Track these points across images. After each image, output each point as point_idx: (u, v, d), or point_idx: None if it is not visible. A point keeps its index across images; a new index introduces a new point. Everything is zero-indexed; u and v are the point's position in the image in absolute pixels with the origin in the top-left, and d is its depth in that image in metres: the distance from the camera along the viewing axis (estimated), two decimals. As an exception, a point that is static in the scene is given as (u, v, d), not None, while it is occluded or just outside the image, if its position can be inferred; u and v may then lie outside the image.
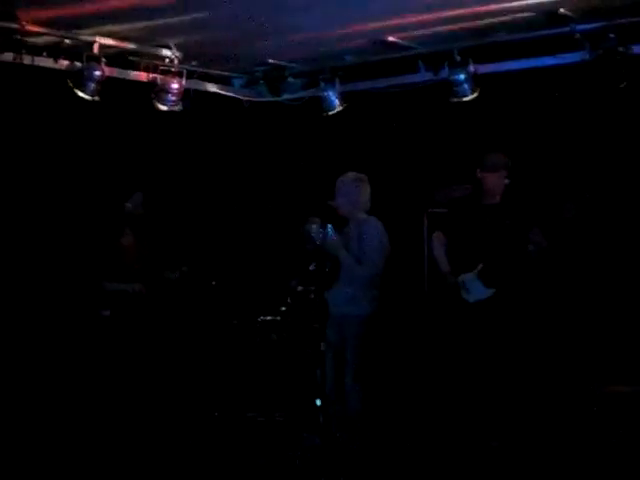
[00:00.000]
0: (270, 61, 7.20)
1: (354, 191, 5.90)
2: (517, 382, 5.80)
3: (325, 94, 7.31)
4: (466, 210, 5.90)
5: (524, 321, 5.88)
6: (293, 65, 7.38)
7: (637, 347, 5.91)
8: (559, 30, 5.85)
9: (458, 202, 6.04)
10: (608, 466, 5.12)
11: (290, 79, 7.64)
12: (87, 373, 6.17)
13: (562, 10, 5.57)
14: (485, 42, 6.34)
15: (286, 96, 7.85)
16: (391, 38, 6.44)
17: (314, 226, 5.78)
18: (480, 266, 5.69)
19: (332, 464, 5.47)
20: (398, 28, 6.18)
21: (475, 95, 6.56)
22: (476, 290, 5.73)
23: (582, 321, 6.19)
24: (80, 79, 6.18)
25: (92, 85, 6.20)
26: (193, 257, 7.26)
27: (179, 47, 6.60)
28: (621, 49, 5.63)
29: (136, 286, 6.41)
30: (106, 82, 6.31)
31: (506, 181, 5.75)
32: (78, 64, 6.18)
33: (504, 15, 5.72)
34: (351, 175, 5.96)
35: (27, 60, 5.97)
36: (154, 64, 6.76)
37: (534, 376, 6.08)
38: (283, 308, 6.88)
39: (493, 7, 5.54)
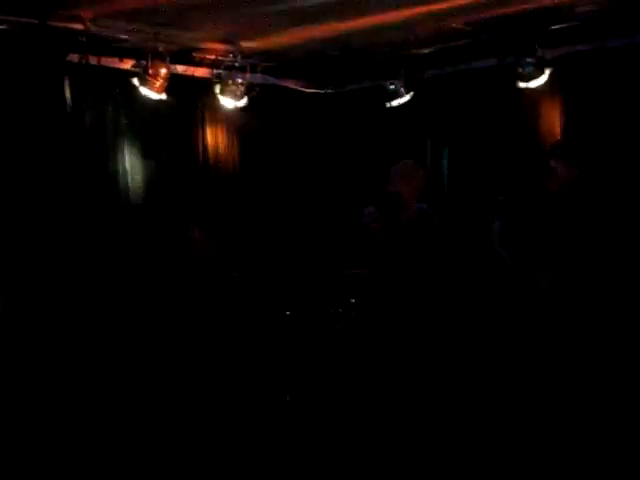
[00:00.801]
0: (332, 52, 7.18)
1: (417, 178, 5.85)
2: (593, 370, 5.73)
3: (389, 83, 7.24)
4: (532, 198, 5.81)
5: (601, 309, 5.81)
6: (356, 55, 7.35)
7: None
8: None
9: (522, 190, 5.94)
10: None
11: (354, 69, 7.59)
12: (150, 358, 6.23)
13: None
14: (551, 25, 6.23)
15: (350, 86, 7.79)
16: (455, 24, 6.36)
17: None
18: (550, 254, 5.63)
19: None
20: (463, 13, 6.12)
21: (542, 79, 6.43)
22: (546, 278, 5.67)
23: None
24: (145, 77, 6.22)
25: (157, 83, 6.26)
26: (257, 249, 7.31)
27: (242, 41, 6.63)
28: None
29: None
30: (171, 79, 6.36)
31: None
32: (143, 62, 6.22)
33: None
34: (410, 162, 5.91)
35: (93, 60, 6.04)
36: (218, 60, 6.81)
37: (613, 365, 5.97)
38: (353, 300, 6.88)
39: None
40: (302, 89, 7.80)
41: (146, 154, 6.76)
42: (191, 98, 7.07)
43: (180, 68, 6.69)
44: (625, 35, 6.00)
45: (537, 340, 5.73)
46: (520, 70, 6.43)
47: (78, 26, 5.59)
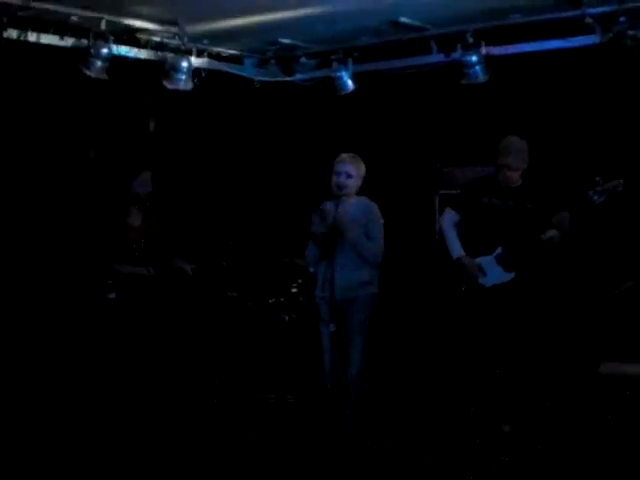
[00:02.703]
0: (282, 40, 7.14)
1: (364, 170, 5.85)
2: (532, 367, 5.82)
3: (338, 75, 7.24)
4: (485, 191, 5.75)
5: (543, 307, 5.86)
6: (306, 45, 7.33)
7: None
8: (571, 13, 5.78)
9: (475, 182, 5.91)
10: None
11: (303, 59, 7.58)
12: (91, 355, 6.16)
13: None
14: (497, 24, 6.28)
15: (298, 76, 7.77)
16: (404, 19, 6.36)
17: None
18: (499, 249, 5.63)
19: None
20: (411, 8, 6.13)
21: (487, 77, 6.50)
22: (494, 274, 5.67)
23: (602, 307, 6.18)
24: (87, 57, 6.14)
25: (99, 63, 6.17)
26: (203, 239, 7.27)
27: (189, 24, 6.56)
28: (631, 33, 5.54)
29: (145, 269, 6.39)
30: (114, 60, 6.30)
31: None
32: (85, 42, 6.13)
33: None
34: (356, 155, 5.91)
35: (32, 37, 5.93)
36: (163, 42, 6.74)
37: (552, 362, 6.13)
38: (294, 290, 6.87)
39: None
40: (250, 76, 7.74)
41: (86, 136, 6.68)
42: (135, 81, 6.98)
43: (123, 49, 6.57)
44: (563, 37, 6.08)
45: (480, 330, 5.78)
46: (465, 67, 6.49)
47: (17, 1, 5.48)
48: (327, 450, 5.38)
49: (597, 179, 5.25)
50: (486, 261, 5.67)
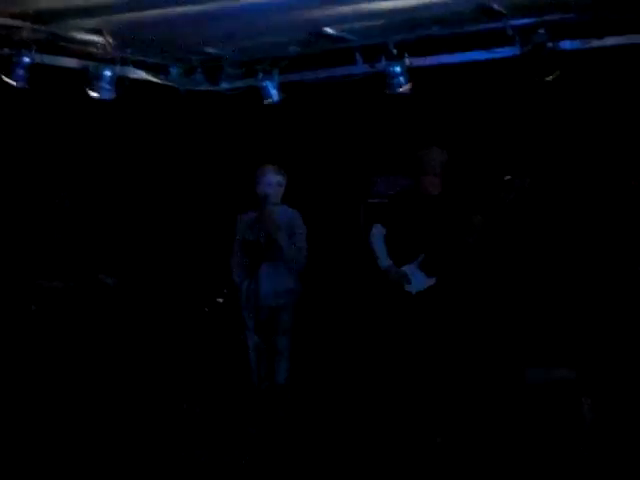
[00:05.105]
0: (207, 50, 7.13)
1: (286, 180, 5.93)
2: (460, 372, 5.97)
3: (263, 84, 7.26)
4: (407, 202, 5.97)
5: (467, 309, 6.00)
6: (231, 54, 7.33)
7: (577, 332, 6.10)
8: (492, 25, 5.90)
9: (399, 193, 6.11)
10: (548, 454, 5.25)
11: (228, 68, 7.58)
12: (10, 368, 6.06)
13: (495, 6, 5.61)
14: (420, 36, 6.37)
15: (224, 85, 7.76)
16: (328, 30, 6.42)
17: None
18: (421, 256, 5.77)
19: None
20: (335, 19, 6.19)
21: (410, 87, 6.59)
22: (418, 280, 5.82)
23: (522, 306, 6.44)
24: (8, 66, 6.04)
25: (21, 72, 6.08)
26: (125, 251, 7.20)
27: (112, 33, 6.49)
28: (550, 44, 5.73)
29: (56, 283, 6.34)
30: (36, 69, 6.19)
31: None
32: (6, 50, 6.03)
33: (439, 9, 5.77)
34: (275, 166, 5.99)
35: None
36: (86, 51, 6.64)
37: (477, 365, 6.26)
38: (220, 299, 6.87)
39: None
40: (175, 85, 7.69)
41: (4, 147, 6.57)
42: (58, 90, 6.88)
43: (47, 58, 6.45)
44: (487, 48, 6.24)
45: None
46: (388, 78, 6.58)
47: None
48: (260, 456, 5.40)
49: (506, 178, 5.54)
50: (410, 269, 5.83)
